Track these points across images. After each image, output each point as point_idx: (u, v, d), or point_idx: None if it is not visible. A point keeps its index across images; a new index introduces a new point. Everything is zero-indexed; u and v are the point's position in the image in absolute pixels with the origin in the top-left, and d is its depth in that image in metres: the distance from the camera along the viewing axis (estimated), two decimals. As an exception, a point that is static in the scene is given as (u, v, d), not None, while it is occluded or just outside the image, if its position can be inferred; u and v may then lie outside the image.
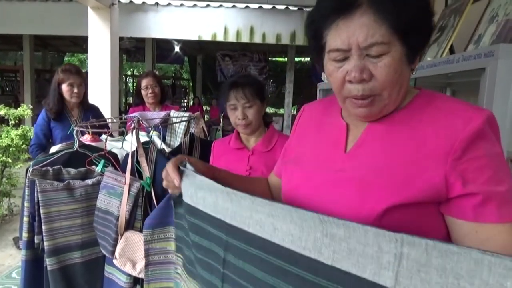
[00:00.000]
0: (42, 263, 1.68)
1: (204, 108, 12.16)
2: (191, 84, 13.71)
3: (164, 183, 0.87)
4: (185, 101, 13.35)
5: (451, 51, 1.64)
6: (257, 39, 6.14)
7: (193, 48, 10.95)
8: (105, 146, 1.69)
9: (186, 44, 9.98)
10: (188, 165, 0.82)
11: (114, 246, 1.56)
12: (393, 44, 0.65)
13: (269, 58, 10.91)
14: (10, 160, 3.57)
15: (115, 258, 1.53)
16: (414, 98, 0.73)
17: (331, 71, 0.71)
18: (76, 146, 1.75)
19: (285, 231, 0.57)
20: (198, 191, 0.78)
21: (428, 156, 0.64)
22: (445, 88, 2.26)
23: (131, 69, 16.62)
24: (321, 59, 0.75)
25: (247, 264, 0.64)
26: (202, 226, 0.77)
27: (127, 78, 13.41)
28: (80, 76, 2.46)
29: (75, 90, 2.42)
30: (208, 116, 11.29)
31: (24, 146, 3.62)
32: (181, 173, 0.83)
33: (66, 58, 14.82)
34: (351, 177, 0.70)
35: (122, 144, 1.82)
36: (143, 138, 1.93)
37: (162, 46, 10.03)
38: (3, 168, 3.72)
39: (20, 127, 3.65)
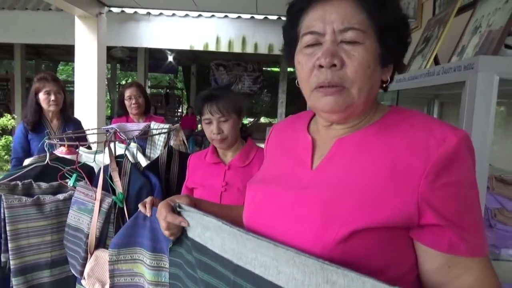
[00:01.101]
0: (9, 282, 1.60)
1: (198, 117, 12.09)
2: (185, 93, 13.67)
3: (167, 233, 0.85)
4: (179, 110, 13.29)
5: (436, 62, 1.59)
6: (249, 49, 6.11)
7: (187, 57, 10.93)
8: (76, 159, 1.62)
9: (180, 54, 9.95)
10: (183, 206, 0.81)
11: (84, 265, 1.48)
12: (369, 35, 0.63)
13: (263, 68, 10.91)
14: (-8, 171, 3.49)
15: (84, 278, 1.45)
16: (385, 114, 0.68)
17: (301, 60, 0.67)
18: (47, 159, 1.68)
19: (288, 275, 0.58)
20: (205, 231, 0.77)
21: (401, 177, 0.59)
22: (433, 100, 2.21)
23: (126, 79, 16.55)
24: (292, 57, 0.71)
25: None
26: (211, 264, 0.75)
27: (120, 87, 13.33)
28: (57, 83, 2.39)
29: (52, 98, 2.35)
30: (201, 126, 11.22)
31: (7, 156, 3.54)
32: (178, 213, 0.83)
33: (60, 67, 14.77)
34: (316, 195, 0.64)
35: (94, 158, 1.74)
36: (121, 151, 1.86)
37: (156, 56, 9.99)
38: (-15, 179, 3.62)
39: (3, 137, 3.57)
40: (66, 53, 10.78)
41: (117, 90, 12.65)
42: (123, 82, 15.54)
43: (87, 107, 3.79)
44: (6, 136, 3.62)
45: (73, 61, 13.54)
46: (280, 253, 0.58)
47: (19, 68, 8.57)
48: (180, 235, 0.87)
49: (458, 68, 0.94)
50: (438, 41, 1.43)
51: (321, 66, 0.63)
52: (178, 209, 0.81)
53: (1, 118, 3.62)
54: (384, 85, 0.70)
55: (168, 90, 13.09)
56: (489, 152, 0.88)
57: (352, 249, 0.58)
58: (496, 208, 1.06)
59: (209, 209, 0.86)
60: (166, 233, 0.84)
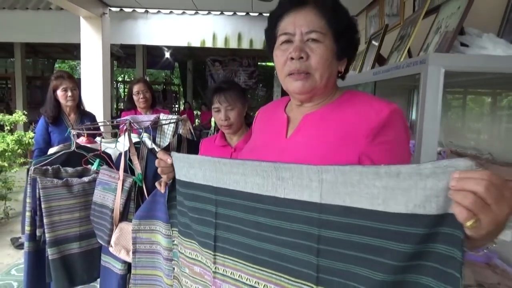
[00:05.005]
0: (43, 254, 1.84)
1: (195, 112, 12.30)
2: (181, 89, 13.85)
3: (159, 170, 1.06)
4: (176, 106, 13.48)
5: (410, 55, 1.84)
6: (245, 45, 6.31)
7: (183, 54, 11.09)
8: (100, 147, 1.86)
9: (176, 50, 10.11)
10: (175, 153, 1.04)
11: (110, 236, 1.72)
12: (327, 37, 0.88)
13: (258, 63, 11.10)
14: (6, 164, 3.70)
15: (111, 246, 1.69)
16: (341, 95, 0.94)
17: (278, 54, 0.92)
18: (73, 147, 1.92)
19: (253, 182, 0.80)
20: (190, 169, 1.00)
21: (348, 139, 0.84)
22: (413, 89, 2.47)
23: (122, 75, 16.69)
24: (271, 52, 0.96)
25: (233, 211, 0.87)
26: (195, 193, 0.98)
27: (118, 84, 13.48)
28: (73, 80, 2.64)
29: (69, 94, 2.59)
30: (199, 121, 11.43)
31: (19, 150, 3.75)
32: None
33: (56, 65, 14.87)
34: (289, 156, 0.89)
35: (116, 145, 1.98)
36: (134, 139, 2.10)
37: (153, 52, 10.16)
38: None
39: (16, 133, 3.78)
40: (64, 51, 10.93)
41: (115, 86, 12.82)
42: (119, 78, 15.69)
43: (94, 102, 4.02)
44: (19, 131, 3.82)
45: (69, 59, 13.54)
46: (247, 167, 0.81)
47: (19, 66, 8.72)
48: (174, 183, 1.09)
49: (416, 62, 1.19)
50: (409, 39, 1.68)
51: (292, 58, 0.87)
52: (171, 153, 1.05)
53: (14, 115, 3.82)
54: (339, 74, 0.96)
55: (165, 86, 13.26)
56: (438, 130, 1.13)
57: None
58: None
59: None
60: (159, 171, 1.06)
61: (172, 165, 1.04)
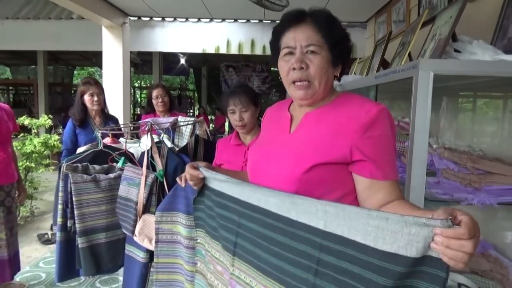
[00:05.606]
0: (73, 243, 2.03)
1: (209, 117, 12.52)
2: (196, 94, 14.11)
3: (191, 183, 1.22)
4: (191, 111, 13.73)
5: (411, 59, 1.97)
6: (258, 51, 6.48)
7: (198, 60, 11.31)
8: (125, 146, 2.04)
9: (191, 56, 10.33)
10: (201, 168, 1.19)
11: (134, 226, 1.89)
12: (324, 49, 1.03)
13: (272, 68, 11.25)
14: (33, 165, 3.93)
15: (135, 235, 1.86)
16: (336, 97, 1.09)
17: (282, 65, 1.07)
18: (100, 146, 2.10)
19: (272, 202, 0.94)
20: (219, 183, 1.15)
21: (342, 133, 0.98)
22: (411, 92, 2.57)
23: (139, 81, 17.08)
24: (276, 61, 1.12)
25: (252, 223, 1.01)
26: (224, 202, 1.13)
27: (135, 90, 13.83)
28: (99, 86, 2.86)
29: (95, 99, 2.80)
30: (213, 125, 11.64)
31: (46, 152, 3.99)
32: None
33: (76, 72, 15.33)
34: (292, 147, 1.05)
35: (139, 144, 2.16)
36: (155, 139, 2.27)
37: (169, 59, 10.39)
38: (27, 173, 4.08)
39: (42, 135, 4.02)
40: (83, 58, 11.29)
41: (131, 92, 13.15)
42: (136, 84, 16.07)
43: (115, 107, 4.23)
44: (45, 134, 4.06)
45: (88, 65, 13.85)
46: (266, 191, 0.95)
47: (42, 73, 9.06)
48: (202, 189, 1.24)
49: (409, 67, 1.32)
50: (409, 46, 1.81)
51: (294, 69, 1.02)
52: (200, 168, 1.19)
53: (40, 119, 4.06)
54: (335, 77, 1.10)
55: (180, 92, 13.54)
56: (428, 129, 1.26)
57: (312, 177, 0.96)
58: (443, 169, 1.43)
59: (221, 172, 1.23)
60: (191, 183, 1.21)
61: (202, 178, 1.19)
